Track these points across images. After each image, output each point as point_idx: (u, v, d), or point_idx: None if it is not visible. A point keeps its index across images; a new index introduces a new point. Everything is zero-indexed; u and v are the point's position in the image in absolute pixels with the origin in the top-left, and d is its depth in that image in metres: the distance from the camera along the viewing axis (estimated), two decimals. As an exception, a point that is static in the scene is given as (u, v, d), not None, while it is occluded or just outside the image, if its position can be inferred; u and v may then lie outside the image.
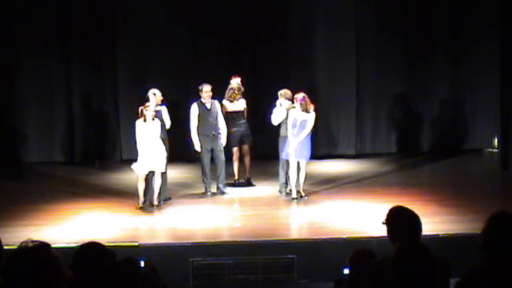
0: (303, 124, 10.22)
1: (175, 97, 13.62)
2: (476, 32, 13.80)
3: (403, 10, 13.92)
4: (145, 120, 9.87)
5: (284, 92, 10.70)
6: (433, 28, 13.91)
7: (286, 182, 10.69)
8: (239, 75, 11.53)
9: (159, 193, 10.08)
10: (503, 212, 3.67)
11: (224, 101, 11.30)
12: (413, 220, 4.13)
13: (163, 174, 10.15)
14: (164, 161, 10.07)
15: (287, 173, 10.60)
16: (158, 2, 13.80)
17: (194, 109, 10.76)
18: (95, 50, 13.77)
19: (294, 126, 10.24)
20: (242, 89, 11.40)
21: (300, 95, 10.25)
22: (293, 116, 10.26)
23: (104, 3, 13.78)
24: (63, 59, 13.76)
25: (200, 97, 10.81)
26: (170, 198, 10.53)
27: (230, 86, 11.34)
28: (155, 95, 10.31)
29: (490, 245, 3.57)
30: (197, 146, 10.75)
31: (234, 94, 11.24)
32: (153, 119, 9.92)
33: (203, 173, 10.90)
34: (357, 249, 5.21)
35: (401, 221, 4.14)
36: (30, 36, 13.54)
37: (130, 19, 13.67)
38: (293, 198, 10.41)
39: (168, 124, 10.45)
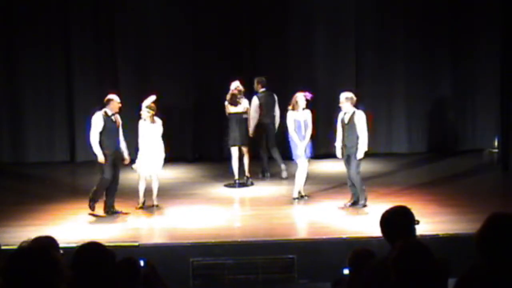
0: (306, 124, 10.22)
1: (175, 98, 13.65)
2: (476, 32, 13.78)
3: (403, 10, 13.90)
4: (145, 120, 9.90)
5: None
6: (433, 28, 13.88)
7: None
8: (237, 79, 11.52)
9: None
10: (499, 213, 3.65)
11: (226, 103, 11.36)
12: (407, 221, 4.13)
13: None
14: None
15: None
16: (158, 3, 13.79)
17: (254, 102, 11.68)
18: (96, 50, 13.76)
19: (299, 128, 10.20)
20: (243, 89, 11.42)
21: (301, 94, 10.26)
22: (293, 118, 10.22)
23: (104, 3, 13.77)
24: (63, 59, 13.75)
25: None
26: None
27: (230, 92, 11.32)
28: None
29: (486, 245, 3.56)
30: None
31: (237, 100, 11.27)
32: (154, 120, 9.93)
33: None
34: (356, 249, 5.22)
35: (396, 222, 4.14)
36: (31, 36, 13.52)
37: (131, 19, 13.66)
38: (293, 198, 10.40)
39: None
